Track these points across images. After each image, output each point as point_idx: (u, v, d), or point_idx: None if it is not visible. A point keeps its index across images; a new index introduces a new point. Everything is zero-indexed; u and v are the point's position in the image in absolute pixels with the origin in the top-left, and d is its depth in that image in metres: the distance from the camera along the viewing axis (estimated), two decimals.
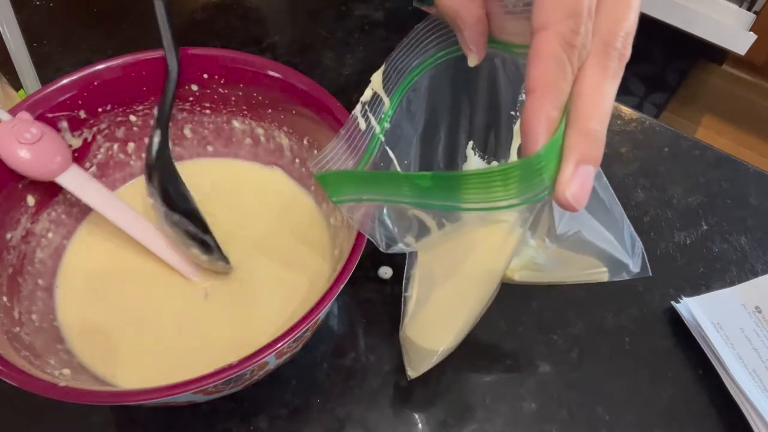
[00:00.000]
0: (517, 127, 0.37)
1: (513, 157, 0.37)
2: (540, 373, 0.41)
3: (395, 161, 0.35)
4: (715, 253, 0.46)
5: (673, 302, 0.43)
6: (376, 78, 0.33)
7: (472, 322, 0.38)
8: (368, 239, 0.33)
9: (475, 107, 0.36)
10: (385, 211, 0.34)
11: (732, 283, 0.45)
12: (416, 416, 0.39)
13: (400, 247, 0.36)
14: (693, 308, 0.42)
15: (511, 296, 0.44)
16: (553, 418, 0.39)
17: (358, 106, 0.34)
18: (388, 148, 0.34)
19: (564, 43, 0.24)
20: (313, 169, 0.33)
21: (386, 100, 0.33)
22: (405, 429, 0.39)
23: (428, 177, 0.28)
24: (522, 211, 0.35)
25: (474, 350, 0.41)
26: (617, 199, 0.34)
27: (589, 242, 0.36)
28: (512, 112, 0.36)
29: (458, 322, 0.38)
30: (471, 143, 0.38)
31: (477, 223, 0.37)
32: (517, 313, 0.43)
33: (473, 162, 0.38)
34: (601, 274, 0.37)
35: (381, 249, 0.34)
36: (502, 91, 0.35)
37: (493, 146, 0.38)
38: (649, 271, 0.36)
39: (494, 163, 0.38)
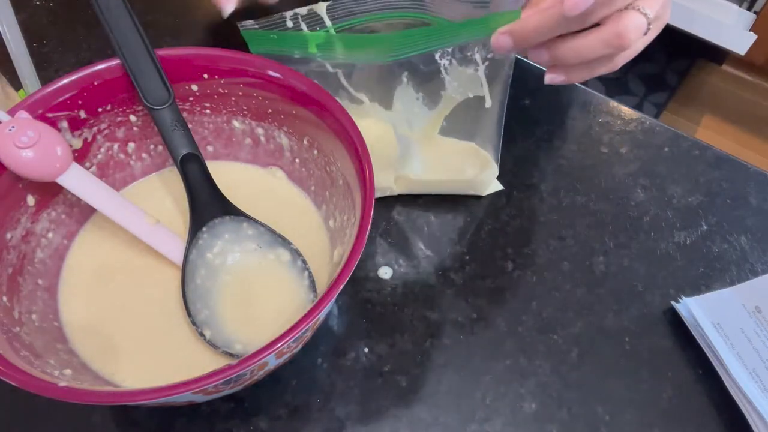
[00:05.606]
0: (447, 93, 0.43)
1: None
2: (540, 373, 0.41)
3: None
4: (715, 253, 0.46)
5: (673, 302, 0.43)
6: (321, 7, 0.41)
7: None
8: (368, 241, 0.33)
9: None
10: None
11: (732, 283, 0.45)
12: (416, 416, 0.39)
13: None
14: (693, 308, 0.42)
15: (511, 296, 0.44)
16: (553, 418, 0.39)
17: (289, 12, 0.41)
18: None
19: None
20: (241, 27, 0.40)
21: (328, 22, 0.41)
22: (405, 429, 0.39)
23: (323, 36, 0.39)
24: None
25: (474, 350, 0.42)
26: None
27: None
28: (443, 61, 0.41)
29: None
30: (406, 73, 0.42)
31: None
32: (517, 313, 0.43)
33: (406, 91, 0.43)
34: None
35: None
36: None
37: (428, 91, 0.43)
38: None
39: (420, 102, 0.44)
